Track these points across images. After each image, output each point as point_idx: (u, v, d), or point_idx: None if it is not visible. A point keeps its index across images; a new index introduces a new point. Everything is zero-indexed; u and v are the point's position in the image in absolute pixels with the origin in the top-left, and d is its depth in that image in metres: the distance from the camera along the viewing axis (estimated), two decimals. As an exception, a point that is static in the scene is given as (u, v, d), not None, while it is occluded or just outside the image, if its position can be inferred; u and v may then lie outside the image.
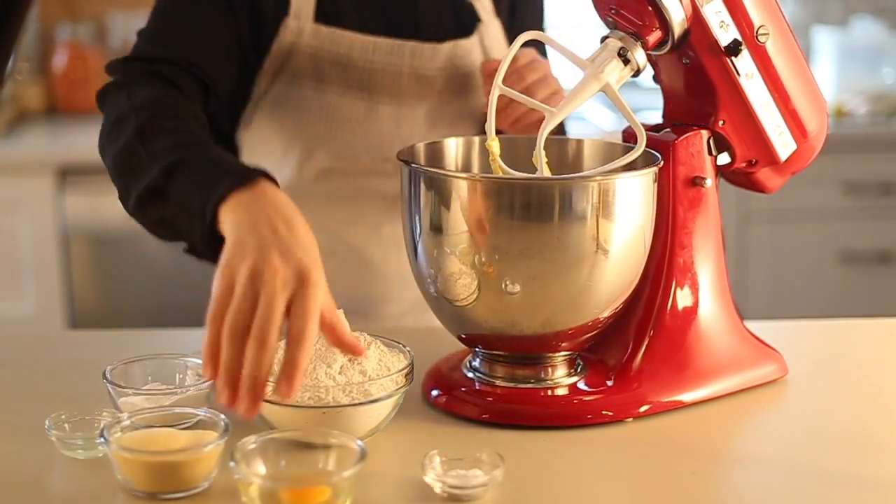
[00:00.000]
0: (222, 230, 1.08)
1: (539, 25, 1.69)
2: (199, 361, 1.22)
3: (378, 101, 1.54)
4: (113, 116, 1.30)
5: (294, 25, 1.50)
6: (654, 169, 1.20)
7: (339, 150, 1.56)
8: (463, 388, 1.24)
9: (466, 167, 1.33)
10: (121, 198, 1.29)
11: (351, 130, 1.55)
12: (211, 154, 1.21)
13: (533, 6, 1.68)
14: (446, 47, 1.55)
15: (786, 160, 1.30)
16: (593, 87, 1.20)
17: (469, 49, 1.58)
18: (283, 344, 1.03)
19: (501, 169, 1.23)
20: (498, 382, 1.24)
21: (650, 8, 1.20)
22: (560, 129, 1.63)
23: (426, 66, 1.54)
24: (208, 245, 1.12)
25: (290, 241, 1.03)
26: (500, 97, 1.23)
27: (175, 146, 1.21)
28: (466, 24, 1.59)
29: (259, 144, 1.58)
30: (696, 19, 1.21)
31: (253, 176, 1.11)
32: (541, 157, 1.21)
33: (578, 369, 1.26)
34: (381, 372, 1.15)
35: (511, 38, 1.62)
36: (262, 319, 0.99)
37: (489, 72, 1.50)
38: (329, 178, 1.58)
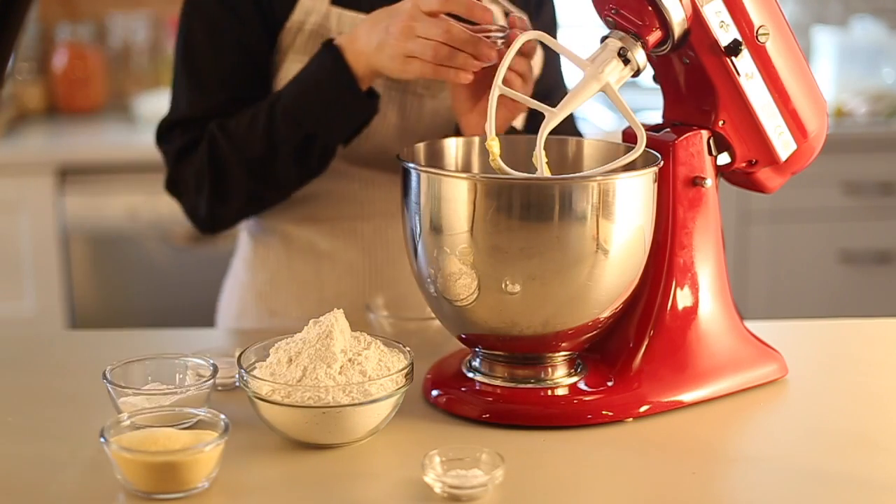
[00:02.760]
0: (355, 60, 1.38)
1: (553, 24, 1.68)
2: (200, 361, 1.22)
3: (380, 85, 1.51)
4: (204, 163, 1.50)
5: (308, 5, 1.51)
6: (654, 169, 1.20)
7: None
8: (463, 388, 1.24)
9: (466, 167, 1.33)
10: (287, 187, 1.52)
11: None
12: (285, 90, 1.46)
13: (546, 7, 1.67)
14: None
15: (786, 160, 1.30)
16: (593, 87, 1.20)
17: None
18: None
19: (501, 169, 1.23)
20: (498, 382, 1.24)
21: (650, 8, 1.20)
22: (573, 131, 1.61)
23: None
24: (362, 99, 1.41)
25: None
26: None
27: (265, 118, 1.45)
28: None
29: None
30: (696, 19, 1.21)
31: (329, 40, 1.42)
32: (541, 157, 1.21)
33: (578, 369, 1.26)
34: (381, 372, 1.15)
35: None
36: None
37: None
38: (334, 172, 1.55)
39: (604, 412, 1.21)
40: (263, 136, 1.45)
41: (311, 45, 1.51)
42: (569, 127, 1.60)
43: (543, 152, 1.21)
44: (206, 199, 1.52)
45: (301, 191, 1.54)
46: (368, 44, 1.36)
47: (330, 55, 1.40)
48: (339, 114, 1.43)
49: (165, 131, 1.56)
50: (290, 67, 1.52)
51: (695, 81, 1.26)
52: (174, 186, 1.57)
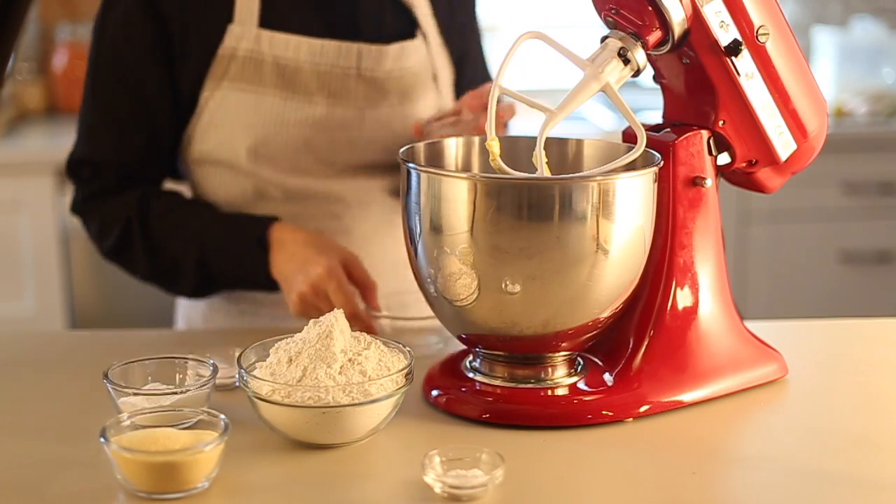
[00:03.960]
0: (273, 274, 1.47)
1: (474, 24, 1.70)
2: (200, 361, 1.22)
3: (323, 104, 1.53)
4: (113, 228, 1.57)
5: (238, 31, 1.50)
6: (654, 169, 1.20)
7: (281, 157, 1.54)
8: (463, 388, 1.24)
9: (466, 167, 1.33)
10: (180, 294, 1.63)
11: (291, 134, 1.53)
12: (218, 228, 1.52)
13: (467, 4, 1.68)
14: (393, 49, 1.55)
15: (786, 160, 1.30)
16: (593, 87, 1.20)
17: (413, 51, 1.58)
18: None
19: (501, 169, 1.23)
20: (498, 382, 1.24)
21: (650, 8, 1.20)
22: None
23: (375, 67, 1.54)
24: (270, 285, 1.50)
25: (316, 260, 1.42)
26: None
27: (189, 238, 1.52)
28: (407, 26, 1.59)
29: (208, 165, 1.57)
30: (696, 19, 1.21)
31: (265, 225, 1.48)
32: (541, 157, 1.21)
33: (578, 369, 1.26)
34: (381, 372, 1.15)
35: (447, 39, 1.62)
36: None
37: (419, 129, 1.52)
38: (286, 195, 1.55)
39: (604, 412, 1.21)
40: (174, 263, 1.53)
41: (246, 71, 1.51)
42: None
43: (543, 152, 1.21)
44: (104, 253, 1.60)
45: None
46: (286, 270, 1.45)
47: (258, 252, 1.47)
48: (245, 283, 1.54)
49: (75, 166, 1.61)
50: (227, 95, 1.51)
51: (695, 81, 1.26)
52: (78, 215, 1.65)
